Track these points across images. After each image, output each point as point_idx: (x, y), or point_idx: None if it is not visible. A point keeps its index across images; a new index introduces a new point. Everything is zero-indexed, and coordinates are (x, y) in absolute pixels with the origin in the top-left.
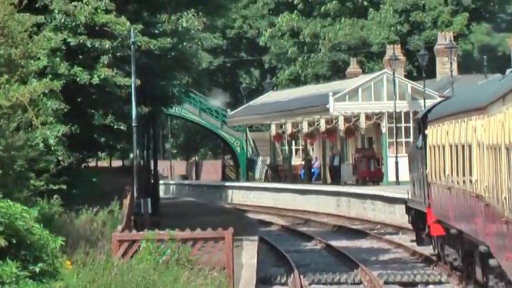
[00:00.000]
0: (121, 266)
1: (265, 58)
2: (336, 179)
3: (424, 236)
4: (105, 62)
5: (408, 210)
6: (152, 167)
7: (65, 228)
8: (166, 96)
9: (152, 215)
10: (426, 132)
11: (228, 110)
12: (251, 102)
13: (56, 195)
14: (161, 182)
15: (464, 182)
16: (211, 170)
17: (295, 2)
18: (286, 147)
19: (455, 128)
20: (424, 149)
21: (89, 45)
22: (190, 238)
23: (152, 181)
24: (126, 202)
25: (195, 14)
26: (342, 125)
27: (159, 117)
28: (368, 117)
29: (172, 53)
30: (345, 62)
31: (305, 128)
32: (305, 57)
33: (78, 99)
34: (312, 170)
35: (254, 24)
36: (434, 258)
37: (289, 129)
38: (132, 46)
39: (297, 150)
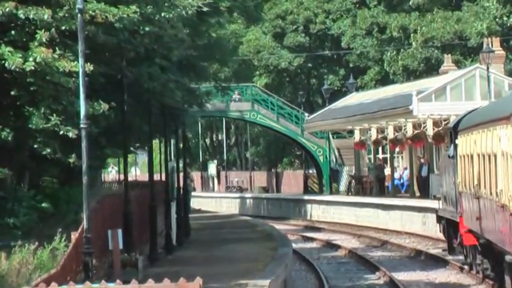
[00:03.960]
0: None
1: (349, 57)
2: (424, 192)
3: (455, 246)
4: (43, 40)
5: (439, 219)
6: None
7: None
8: (164, 91)
9: (170, 247)
10: (457, 141)
11: (306, 115)
12: (331, 105)
13: None
14: (237, 195)
15: (490, 191)
16: (292, 182)
17: None
18: (372, 156)
19: (482, 137)
20: (456, 158)
21: (22, 17)
22: None
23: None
24: (75, 236)
25: None
26: (430, 130)
27: (180, 120)
28: None
29: (147, 28)
30: (438, 60)
31: (390, 134)
32: (393, 52)
33: (12, 93)
34: (401, 182)
35: (337, 23)
36: (466, 267)
37: (373, 135)
38: (78, 15)
39: (384, 159)
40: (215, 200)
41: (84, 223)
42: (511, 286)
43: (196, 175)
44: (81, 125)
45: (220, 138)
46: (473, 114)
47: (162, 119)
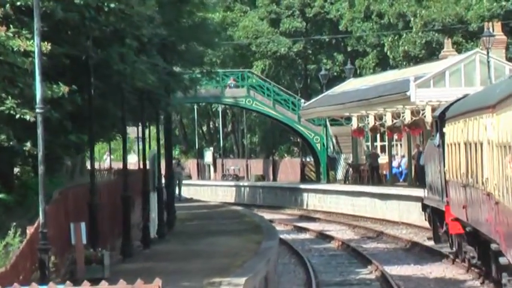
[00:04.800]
0: None
1: (347, 41)
2: (422, 181)
3: (441, 234)
4: None
5: (424, 207)
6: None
7: None
8: (135, 73)
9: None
10: (444, 130)
11: (303, 101)
12: (329, 92)
13: None
14: (232, 184)
15: (477, 180)
16: (289, 170)
17: None
18: (370, 144)
19: (469, 126)
20: (442, 146)
21: None
22: None
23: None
24: (30, 230)
25: None
26: (429, 116)
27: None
28: None
29: (112, 5)
30: (439, 43)
31: (388, 121)
32: (395, 37)
33: None
34: (399, 170)
35: (334, 5)
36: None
37: (371, 122)
38: None
39: (382, 147)
40: (210, 188)
41: (40, 217)
42: (496, 274)
43: (192, 163)
44: (37, 109)
45: (217, 125)
46: (459, 104)
47: (139, 104)
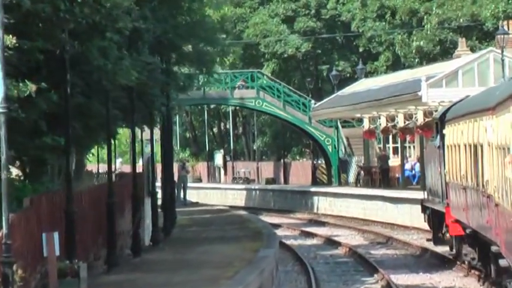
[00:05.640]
0: None
1: (359, 41)
2: None
3: (441, 236)
4: None
5: (424, 209)
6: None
7: None
8: (117, 69)
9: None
10: (444, 131)
11: (313, 102)
12: (339, 92)
13: None
14: (242, 187)
15: (477, 182)
16: (300, 173)
17: None
18: (382, 146)
19: (469, 127)
20: (442, 148)
21: None
22: None
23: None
24: None
25: None
26: None
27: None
28: None
29: None
30: (453, 42)
31: (401, 122)
32: (405, 34)
33: None
34: (412, 173)
35: (346, 6)
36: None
37: (383, 123)
38: None
39: (395, 149)
40: (220, 191)
41: (4, 227)
42: (496, 276)
43: (202, 165)
44: (0, 109)
45: (227, 127)
46: (459, 105)
47: (129, 103)
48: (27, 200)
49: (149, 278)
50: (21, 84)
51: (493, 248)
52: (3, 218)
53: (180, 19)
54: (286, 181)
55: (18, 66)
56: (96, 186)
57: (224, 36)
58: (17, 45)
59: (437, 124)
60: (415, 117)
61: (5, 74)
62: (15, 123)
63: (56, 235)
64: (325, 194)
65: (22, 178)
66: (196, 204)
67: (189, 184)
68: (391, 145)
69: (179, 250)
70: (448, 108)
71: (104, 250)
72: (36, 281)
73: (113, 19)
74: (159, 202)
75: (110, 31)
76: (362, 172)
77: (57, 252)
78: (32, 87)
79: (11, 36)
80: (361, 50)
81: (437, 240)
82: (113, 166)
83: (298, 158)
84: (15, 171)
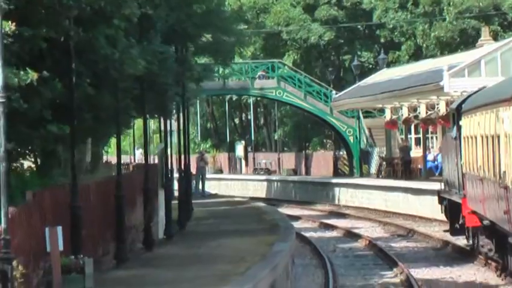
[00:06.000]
0: None
1: (380, 32)
2: None
3: (458, 227)
4: None
5: (441, 200)
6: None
7: None
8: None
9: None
10: (460, 123)
11: (334, 92)
12: (361, 82)
13: None
14: (263, 178)
15: (494, 173)
16: (322, 164)
17: None
18: (404, 137)
19: (486, 118)
20: (459, 139)
21: None
22: None
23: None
24: None
25: None
26: None
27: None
28: None
29: None
30: (476, 30)
31: (423, 112)
32: (426, 25)
33: None
34: (435, 164)
35: None
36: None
37: (405, 113)
38: None
39: (417, 140)
40: (241, 182)
41: (2, 222)
42: None
43: (223, 156)
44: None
45: (249, 117)
46: (476, 96)
47: (141, 93)
48: (29, 193)
49: (158, 274)
50: (21, 72)
51: (511, 239)
52: (2, 212)
53: (195, 7)
54: (307, 172)
55: (20, 54)
56: (104, 178)
57: (244, 26)
58: (17, 32)
59: (453, 115)
60: (437, 108)
61: (4, 62)
62: (18, 114)
63: (59, 229)
64: (347, 186)
65: (34, 170)
66: (215, 195)
67: (209, 175)
68: (413, 136)
69: (192, 244)
70: (465, 99)
71: (113, 245)
72: (39, 278)
73: (117, 5)
74: (176, 194)
75: (117, 18)
76: (384, 163)
77: (61, 247)
78: (33, 75)
79: (10, 22)
80: (382, 40)
81: (455, 231)
82: (132, 157)
83: (319, 148)
84: (27, 164)
